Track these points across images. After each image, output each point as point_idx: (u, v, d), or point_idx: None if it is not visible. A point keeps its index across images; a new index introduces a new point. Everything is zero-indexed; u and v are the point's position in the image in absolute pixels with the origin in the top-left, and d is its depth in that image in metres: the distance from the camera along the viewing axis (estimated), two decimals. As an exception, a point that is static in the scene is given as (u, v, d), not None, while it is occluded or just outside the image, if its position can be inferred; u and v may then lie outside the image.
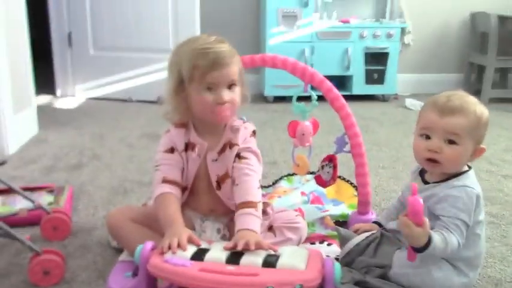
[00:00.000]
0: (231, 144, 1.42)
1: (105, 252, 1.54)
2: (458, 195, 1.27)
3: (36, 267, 1.34)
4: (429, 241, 1.19)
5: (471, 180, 1.32)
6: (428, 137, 1.31)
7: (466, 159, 1.32)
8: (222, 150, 1.43)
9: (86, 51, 3.77)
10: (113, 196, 1.99)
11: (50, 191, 1.88)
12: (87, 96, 3.81)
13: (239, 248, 1.20)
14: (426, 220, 1.18)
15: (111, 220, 1.46)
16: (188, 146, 1.43)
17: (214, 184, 1.44)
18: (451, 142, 1.29)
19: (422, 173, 1.40)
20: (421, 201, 1.16)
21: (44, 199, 1.79)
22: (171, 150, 1.42)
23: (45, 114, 3.18)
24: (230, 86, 1.36)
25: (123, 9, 3.63)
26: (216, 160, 1.43)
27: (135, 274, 1.33)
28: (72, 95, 3.84)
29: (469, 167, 1.36)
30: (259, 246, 1.20)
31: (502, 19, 3.73)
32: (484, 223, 1.35)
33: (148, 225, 1.42)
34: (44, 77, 3.66)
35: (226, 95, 1.34)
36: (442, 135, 1.29)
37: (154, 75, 3.67)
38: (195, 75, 1.33)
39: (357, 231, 1.48)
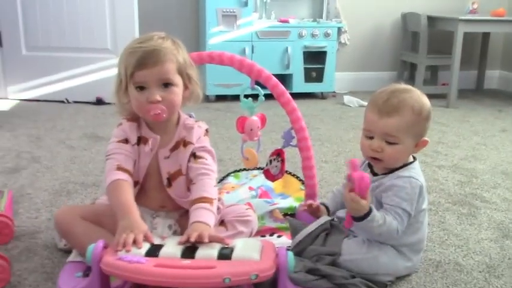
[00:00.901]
0: (185, 142, 1.43)
1: (52, 254, 1.50)
2: (403, 186, 1.34)
3: (-20, 272, 1.29)
4: (369, 212, 1.27)
5: (416, 171, 1.39)
6: (371, 137, 1.38)
7: (407, 154, 1.40)
8: (174, 148, 1.43)
9: (18, 51, 3.61)
10: (55, 198, 1.93)
11: (-12, 195, 1.80)
12: (20, 97, 3.65)
13: (192, 239, 1.20)
14: (369, 193, 1.27)
15: (60, 218, 1.41)
16: (141, 140, 1.42)
17: (165, 181, 1.43)
18: (391, 143, 1.35)
19: (370, 164, 1.47)
20: (367, 175, 1.24)
21: (-18, 204, 1.71)
22: (125, 141, 1.41)
23: (-24, 118, 3.04)
24: (166, 85, 1.35)
25: (57, 7, 3.51)
26: (168, 157, 1.43)
27: (86, 274, 1.31)
28: (4, 97, 3.67)
29: (414, 158, 1.43)
30: (212, 239, 1.21)
31: (431, 19, 3.93)
32: (426, 211, 1.43)
33: (98, 223, 1.39)
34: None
35: (157, 94, 1.33)
36: (381, 136, 1.36)
37: (92, 75, 3.58)
38: (127, 74, 1.34)
39: (310, 207, 1.51)
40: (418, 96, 1.38)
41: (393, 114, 1.34)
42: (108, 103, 3.53)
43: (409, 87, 1.41)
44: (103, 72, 3.55)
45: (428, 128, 1.40)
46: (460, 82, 3.82)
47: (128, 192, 1.32)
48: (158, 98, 1.33)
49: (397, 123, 1.34)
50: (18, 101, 3.61)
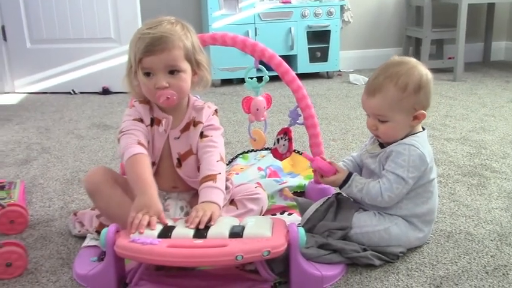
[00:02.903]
0: (195, 122, 1.44)
1: (67, 241, 1.52)
2: (402, 152, 1.36)
3: (-3, 260, 1.31)
4: (348, 177, 1.42)
5: (419, 140, 1.39)
6: (369, 115, 1.42)
7: (403, 129, 1.39)
8: (185, 129, 1.45)
9: (23, 45, 3.62)
10: (67, 187, 1.95)
11: (1, 186, 1.82)
12: (27, 91, 3.67)
13: (193, 225, 1.22)
14: (337, 166, 1.46)
15: (94, 177, 1.38)
16: (154, 122, 1.43)
17: (175, 161, 1.45)
18: (382, 120, 1.37)
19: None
20: (317, 158, 1.49)
21: (-4, 195, 1.74)
22: (140, 120, 1.41)
23: (-15, 112, 3.06)
24: (173, 72, 1.35)
25: (59, -1, 3.52)
26: (178, 138, 1.44)
27: (101, 258, 1.33)
28: (11, 91, 3.69)
29: (423, 129, 1.43)
30: (208, 218, 1.23)
31: (435, -8, 3.89)
32: (435, 181, 1.43)
33: (126, 193, 1.37)
34: (-20, 73, 3.50)
35: (164, 80, 1.33)
36: (372, 115, 1.39)
37: (97, 65, 3.59)
38: (136, 60, 1.34)
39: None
40: (409, 69, 1.35)
41: (376, 93, 1.35)
42: (115, 92, 3.54)
43: (404, 59, 1.39)
44: (108, 61, 3.56)
45: (428, 99, 1.37)
46: (466, 55, 3.79)
47: (148, 168, 1.31)
48: (165, 84, 1.34)
49: (379, 102, 1.35)
50: (26, 94, 3.63)
